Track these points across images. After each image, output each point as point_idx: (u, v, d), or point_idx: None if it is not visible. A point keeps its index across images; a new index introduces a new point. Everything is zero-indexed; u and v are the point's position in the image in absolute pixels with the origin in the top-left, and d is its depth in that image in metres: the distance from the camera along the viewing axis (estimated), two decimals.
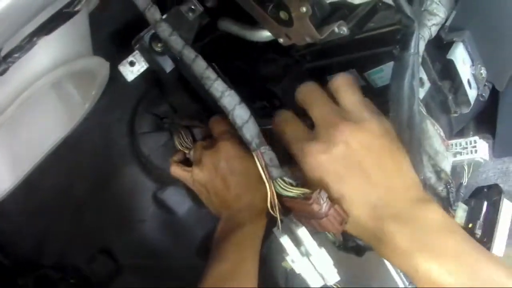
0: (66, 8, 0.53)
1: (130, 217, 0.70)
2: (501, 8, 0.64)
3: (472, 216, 0.67)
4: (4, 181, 0.63)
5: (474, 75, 0.62)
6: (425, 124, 0.58)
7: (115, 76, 0.66)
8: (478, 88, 0.63)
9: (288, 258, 0.56)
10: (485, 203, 0.66)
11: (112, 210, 0.70)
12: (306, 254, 0.56)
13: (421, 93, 0.60)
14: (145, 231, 0.71)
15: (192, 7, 0.68)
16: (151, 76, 0.68)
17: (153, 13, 0.56)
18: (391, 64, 0.60)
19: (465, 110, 0.63)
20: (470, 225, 0.69)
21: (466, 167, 0.65)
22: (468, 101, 0.62)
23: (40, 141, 0.65)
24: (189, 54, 0.55)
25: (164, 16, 0.68)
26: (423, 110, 0.58)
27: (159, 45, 0.71)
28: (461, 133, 0.75)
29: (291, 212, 0.56)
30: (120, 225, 0.71)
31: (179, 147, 0.66)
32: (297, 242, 0.56)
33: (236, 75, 0.66)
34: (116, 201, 0.70)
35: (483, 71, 0.63)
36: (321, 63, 0.63)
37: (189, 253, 0.71)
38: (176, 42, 0.56)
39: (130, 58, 0.66)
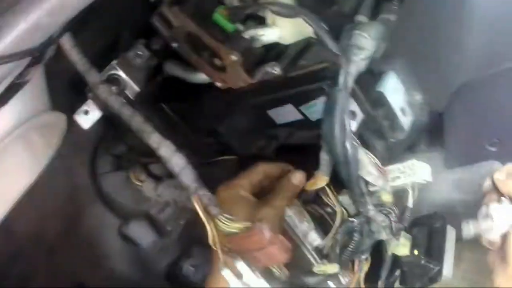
0: (18, 79, 0.58)
1: (99, 253, 0.75)
2: (432, 31, 0.65)
3: (416, 243, 0.70)
4: None
5: (408, 102, 0.65)
6: (360, 154, 0.61)
7: (74, 122, 0.70)
8: (413, 114, 0.66)
9: None
10: (427, 231, 0.70)
11: (82, 248, 0.75)
12: (246, 285, 0.59)
13: (354, 125, 0.62)
14: (114, 264, 0.75)
15: (139, 52, 0.71)
16: (107, 118, 0.71)
17: (92, 76, 0.60)
18: (324, 98, 0.63)
19: (401, 136, 0.66)
20: (416, 252, 0.72)
21: (410, 190, 0.67)
22: (402, 127, 0.64)
23: (9, 190, 0.70)
24: (127, 111, 0.58)
25: (114, 62, 0.72)
26: (356, 142, 0.61)
27: (113, 88, 0.74)
28: (412, 150, 0.77)
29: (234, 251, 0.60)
30: (91, 262, 0.76)
31: (134, 180, 0.71)
32: (238, 274, 0.60)
33: (185, 114, 0.69)
34: (84, 239, 0.75)
35: (418, 96, 0.66)
36: (261, 100, 0.66)
37: (157, 282, 0.76)
38: (114, 102, 0.60)
39: (84, 107, 0.69)
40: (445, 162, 0.76)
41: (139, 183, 0.71)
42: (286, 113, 0.67)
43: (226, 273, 0.58)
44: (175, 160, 0.57)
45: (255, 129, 0.68)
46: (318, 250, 0.62)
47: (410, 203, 0.68)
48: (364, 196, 0.62)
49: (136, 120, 0.58)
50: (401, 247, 0.71)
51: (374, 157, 0.62)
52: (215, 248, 0.59)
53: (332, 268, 0.66)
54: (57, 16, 0.48)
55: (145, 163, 0.72)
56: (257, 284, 0.58)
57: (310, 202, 0.68)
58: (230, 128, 0.67)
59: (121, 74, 0.72)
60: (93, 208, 0.75)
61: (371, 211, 0.64)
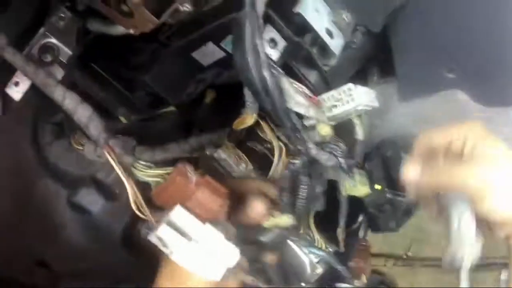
0: None
1: (53, 225, 0.73)
2: None
3: (374, 179, 0.65)
4: None
5: (335, 23, 0.59)
6: (282, 82, 0.56)
7: (7, 97, 0.69)
8: (344, 36, 0.60)
9: (167, 251, 0.53)
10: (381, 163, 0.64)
11: (36, 222, 0.74)
12: (189, 235, 0.55)
13: (275, 53, 0.58)
14: (69, 236, 0.74)
15: (62, 15, 0.69)
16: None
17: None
18: None
19: (332, 62, 0.60)
20: (377, 187, 0.67)
21: (356, 120, 0.62)
22: (331, 51, 0.59)
23: None
24: (30, 69, 0.57)
25: (41, 30, 0.71)
26: (277, 70, 0.56)
27: (48, 56, 0.73)
28: (364, 80, 0.72)
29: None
30: (45, 236, 0.75)
31: (75, 145, 0.69)
32: (177, 228, 0.55)
33: (114, 70, 0.67)
34: (37, 213, 0.74)
35: (347, 16, 0.60)
36: (183, 42, 0.62)
37: (114, 247, 0.74)
38: (19, 61, 0.58)
39: (14, 79, 0.68)
40: (399, 93, 0.69)
41: (80, 147, 0.69)
42: (209, 53, 0.63)
43: (162, 230, 0.53)
44: (81, 111, 0.55)
45: (184, 75, 0.65)
46: None
47: (359, 135, 0.63)
48: (298, 131, 0.57)
49: (40, 76, 0.57)
50: (359, 186, 0.66)
51: (301, 85, 0.58)
52: (140, 214, 0.55)
53: (285, 220, 0.62)
54: None
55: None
56: (201, 229, 0.54)
57: (247, 140, 0.65)
58: (157, 77, 0.64)
59: (53, 40, 0.70)
60: (40, 180, 0.73)
61: (313, 149, 0.59)
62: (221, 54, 0.62)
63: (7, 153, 0.72)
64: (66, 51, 0.71)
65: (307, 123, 0.59)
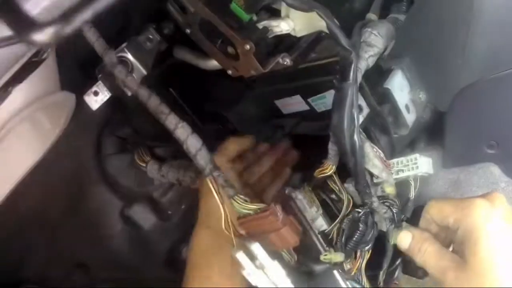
0: (35, 57, 0.58)
1: (101, 233, 0.76)
2: (439, 33, 0.67)
3: None
4: None
5: (412, 100, 0.67)
6: (366, 147, 0.62)
7: (82, 103, 0.71)
8: (417, 111, 0.68)
9: (244, 272, 0.60)
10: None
11: (85, 228, 0.76)
12: (261, 267, 0.61)
13: (360, 118, 0.64)
14: (115, 246, 0.76)
15: (150, 36, 0.72)
16: (115, 100, 0.72)
17: (110, 57, 0.60)
18: (332, 91, 0.64)
19: (404, 132, 0.68)
20: None
21: (412, 182, 0.70)
22: (406, 124, 0.66)
23: (15, 167, 0.71)
24: (144, 92, 0.59)
25: (124, 45, 0.73)
26: (363, 135, 0.62)
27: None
28: (412, 147, 0.79)
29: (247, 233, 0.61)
30: (92, 242, 0.77)
31: (138, 162, 0.72)
32: (251, 257, 0.61)
33: (191, 100, 0.71)
34: (87, 219, 0.76)
35: (422, 95, 0.67)
36: (269, 89, 0.67)
37: (157, 265, 0.77)
38: (132, 82, 0.60)
39: (94, 88, 0.70)
40: (443, 161, 0.78)
41: (143, 164, 0.72)
42: (293, 104, 0.68)
43: (240, 256, 0.59)
44: (191, 141, 0.58)
45: (262, 117, 0.70)
46: (325, 236, 0.64)
47: (412, 194, 0.70)
48: (369, 187, 0.63)
49: (153, 102, 0.59)
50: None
51: (378, 150, 0.64)
52: (227, 232, 0.60)
53: (338, 257, 0.68)
54: None
55: (150, 146, 0.73)
56: (271, 266, 0.60)
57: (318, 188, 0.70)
58: (238, 115, 0.69)
59: (129, 57, 0.73)
60: (97, 189, 0.76)
61: (375, 202, 0.66)
62: (305, 107, 0.67)
63: (68, 157, 0.73)
64: (140, 70, 0.74)
65: (375, 180, 0.65)
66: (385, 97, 0.65)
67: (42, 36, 0.37)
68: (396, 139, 0.69)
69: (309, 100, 0.66)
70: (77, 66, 0.72)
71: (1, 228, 0.73)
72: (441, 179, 0.82)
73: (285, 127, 0.70)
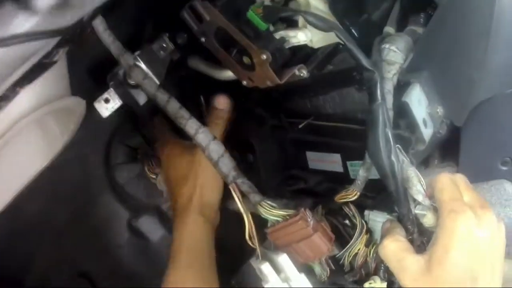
0: (45, 59, 0.57)
1: (107, 243, 0.74)
2: (457, 47, 0.66)
3: None
4: None
5: (430, 114, 0.65)
6: (410, 172, 0.60)
7: (92, 110, 0.69)
8: (434, 126, 0.66)
9: (268, 286, 0.58)
10: None
11: (90, 237, 0.74)
12: (286, 280, 0.59)
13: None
14: (121, 256, 0.75)
15: (164, 45, 0.70)
16: (125, 109, 0.71)
17: (127, 59, 0.59)
18: None
19: (421, 147, 0.66)
20: None
21: None
22: (423, 139, 0.65)
23: (22, 171, 0.69)
24: (163, 96, 0.58)
25: (137, 53, 0.72)
26: (407, 160, 0.61)
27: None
28: (426, 163, 0.78)
29: (273, 243, 0.59)
30: (98, 251, 0.75)
31: (148, 174, 0.70)
32: (277, 269, 0.59)
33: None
34: (93, 228, 0.74)
35: (440, 110, 0.66)
36: (306, 138, 0.66)
37: (163, 276, 0.75)
38: (150, 85, 0.59)
39: (105, 95, 0.68)
40: None
41: (153, 176, 0.70)
42: (327, 161, 0.67)
43: (265, 268, 0.57)
44: (213, 147, 0.57)
45: (284, 161, 0.68)
46: (335, 260, 0.62)
47: None
48: (411, 212, 0.61)
49: (172, 105, 0.58)
50: None
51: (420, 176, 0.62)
52: (251, 244, 0.58)
53: (381, 285, 0.65)
54: None
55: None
56: (298, 279, 0.57)
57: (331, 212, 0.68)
58: (264, 154, 0.67)
59: (142, 65, 0.71)
60: (104, 198, 0.74)
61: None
62: (339, 169, 0.67)
63: (76, 165, 0.72)
64: (153, 79, 0.72)
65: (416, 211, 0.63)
66: (403, 111, 0.63)
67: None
68: (413, 155, 0.67)
69: (348, 163, 0.65)
70: (87, 72, 0.71)
71: (5, 233, 0.72)
72: None
73: (308, 182, 0.68)
